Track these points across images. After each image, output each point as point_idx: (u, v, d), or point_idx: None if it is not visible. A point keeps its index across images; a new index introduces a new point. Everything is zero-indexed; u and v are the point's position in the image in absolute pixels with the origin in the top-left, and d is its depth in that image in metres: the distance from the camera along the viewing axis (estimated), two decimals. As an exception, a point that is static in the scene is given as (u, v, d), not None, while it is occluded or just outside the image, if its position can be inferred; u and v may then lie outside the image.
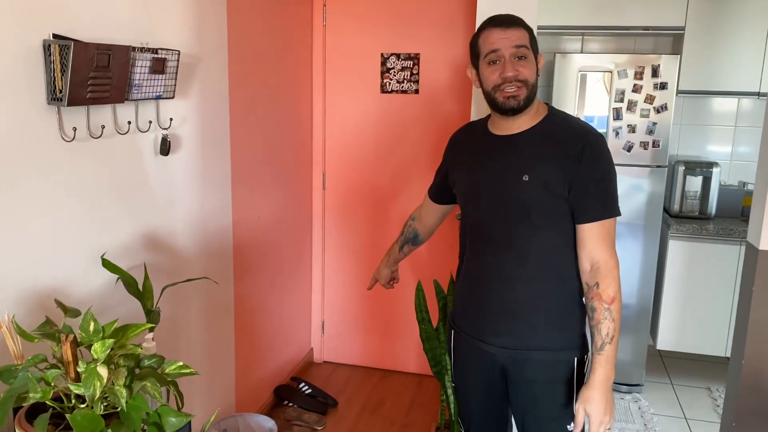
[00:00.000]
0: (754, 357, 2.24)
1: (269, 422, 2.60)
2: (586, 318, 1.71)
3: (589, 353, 1.71)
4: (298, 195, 3.39)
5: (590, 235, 1.64)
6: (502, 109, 1.68)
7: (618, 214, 1.66)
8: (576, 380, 1.72)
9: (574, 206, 1.64)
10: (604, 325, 1.62)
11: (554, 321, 1.71)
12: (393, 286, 2.24)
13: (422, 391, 3.42)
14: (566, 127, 1.69)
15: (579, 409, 1.61)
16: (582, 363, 1.73)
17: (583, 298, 1.70)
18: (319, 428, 3.02)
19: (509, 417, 1.93)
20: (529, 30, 1.68)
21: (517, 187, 1.66)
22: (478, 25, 2.33)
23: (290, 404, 3.14)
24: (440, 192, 2.00)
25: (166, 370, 1.40)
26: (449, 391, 2.38)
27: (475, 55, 1.72)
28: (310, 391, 3.24)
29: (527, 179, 1.64)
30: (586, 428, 1.67)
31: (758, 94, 3.32)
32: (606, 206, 1.64)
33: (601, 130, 3.34)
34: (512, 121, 1.70)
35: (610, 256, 1.64)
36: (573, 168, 1.62)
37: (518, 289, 1.70)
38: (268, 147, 2.98)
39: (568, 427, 1.73)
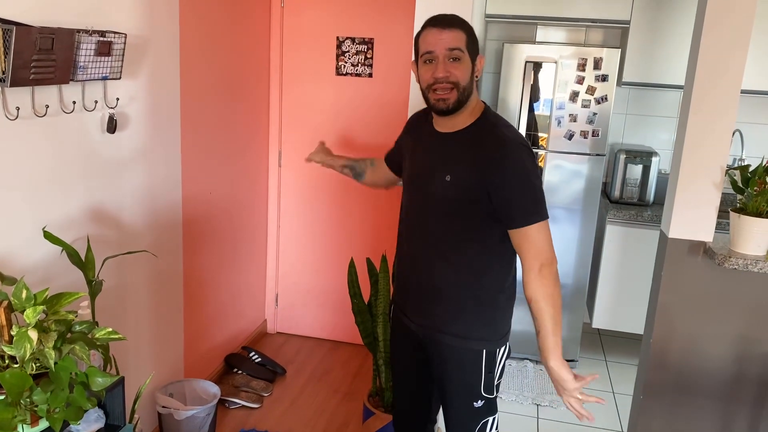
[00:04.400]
0: (661, 336, 2.43)
1: (214, 387, 2.75)
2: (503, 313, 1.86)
3: (503, 348, 1.86)
4: (253, 172, 3.50)
5: (519, 239, 1.71)
6: (433, 109, 1.78)
7: (542, 219, 1.70)
8: (484, 371, 1.83)
9: (499, 213, 1.71)
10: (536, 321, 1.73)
11: (465, 312, 1.82)
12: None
13: (368, 361, 3.59)
14: (492, 133, 1.74)
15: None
16: (492, 356, 1.83)
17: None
18: (266, 395, 3.18)
19: (433, 391, 2.06)
20: (468, 32, 1.74)
21: (440, 186, 1.76)
22: (416, 12, 2.45)
23: (239, 372, 3.29)
24: (392, 161, 2.12)
25: (96, 335, 1.53)
26: (380, 361, 2.55)
27: (416, 53, 1.80)
28: (259, 359, 3.39)
29: (449, 179, 1.74)
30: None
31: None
32: (527, 213, 1.69)
33: (544, 119, 3.49)
34: (448, 119, 1.78)
35: (535, 259, 1.69)
36: (491, 175, 1.68)
37: (434, 277, 1.83)
38: (222, 125, 3.08)
39: (475, 404, 1.87)
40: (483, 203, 1.72)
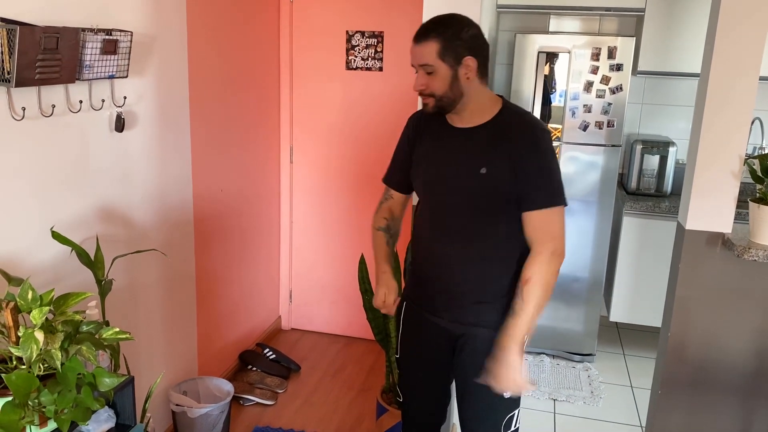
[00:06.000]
0: (679, 329, 2.38)
1: (227, 385, 2.75)
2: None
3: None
4: (264, 168, 3.49)
5: (537, 221, 1.71)
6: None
7: (563, 204, 1.73)
8: None
9: (521, 195, 1.71)
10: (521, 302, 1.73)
11: (500, 302, 1.81)
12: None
13: (383, 357, 3.57)
14: (517, 121, 1.77)
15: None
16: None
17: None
18: (280, 392, 3.17)
19: (449, 389, 2.05)
20: (444, 39, 1.68)
21: (475, 179, 1.75)
22: (425, 4, 2.41)
23: (254, 369, 3.29)
24: (401, 180, 1.99)
25: (103, 335, 1.52)
26: (393, 358, 2.53)
27: None
28: (274, 356, 3.39)
29: (484, 172, 1.73)
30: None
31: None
32: (550, 195, 1.72)
33: (558, 110, 3.44)
34: (464, 114, 1.77)
35: (551, 242, 1.71)
36: (519, 159, 1.70)
37: (469, 272, 1.82)
38: (232, 121, 3.07)
39: (505, 394, 1.84)
40: (513, 191, 1.73)
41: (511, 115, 1.78)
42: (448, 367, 1.95)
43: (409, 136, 1.95)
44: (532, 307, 1.71)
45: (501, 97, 1.83)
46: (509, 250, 1.80)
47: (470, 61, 1.71)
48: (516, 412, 1.91)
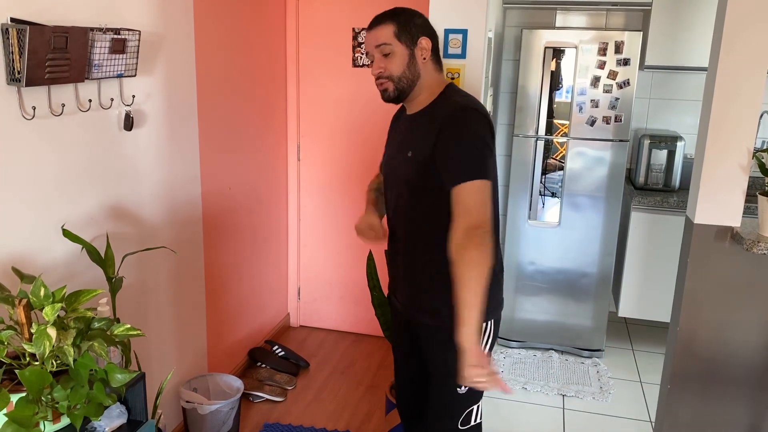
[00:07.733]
0: (689, 324, 2.38)
1: (237, 381, 2.77)
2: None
3: (486, 328, 1.78)
4: (271, 166, 3.51)
5: (452, 201, 1.65)
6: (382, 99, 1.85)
7: (479, 177, 1.62)
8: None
9: (442, 175, 1.69)
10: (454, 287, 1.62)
11: (435, 289, 1.79)
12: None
13: (391, 353, 3.57)
14: (445, 103, 1.76)
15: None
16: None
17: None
18: (290, 388, 3.19)
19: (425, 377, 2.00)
20: (399, 22, 1.77)
21: (403, 164, 1.81)
22: (431, 4, 2.42)
23: (263, 365, 3.30)
24: None
25: (115, 332, 1.54)
26: (402, 354, 2.54)
27: None
28: (283, 353, 3.40)
29: (410, 155, 1.78)
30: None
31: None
32: (464, 170, 1.64)
33: (565, 105, 3.44)
34: (412, 102, 1.84)
35: (462, 218, 1.62)
36: (437, 138, 1.69)
37: (406, 255, 1.88)
38: (240, 120, 3.08)
39: (459, 390, 1.81)
40: (438, 175, 1.70)
41: (442, 98, 1.79)
42: (416, 352, 1.95)
43: (390, 129, 2.05)
44: (464, 291, 1.57)
45: (450, 84, 1.85)
46: (440, 235, 1.73)
47: (425, 42, 1.79)
48: (475, 407, 1.87)
